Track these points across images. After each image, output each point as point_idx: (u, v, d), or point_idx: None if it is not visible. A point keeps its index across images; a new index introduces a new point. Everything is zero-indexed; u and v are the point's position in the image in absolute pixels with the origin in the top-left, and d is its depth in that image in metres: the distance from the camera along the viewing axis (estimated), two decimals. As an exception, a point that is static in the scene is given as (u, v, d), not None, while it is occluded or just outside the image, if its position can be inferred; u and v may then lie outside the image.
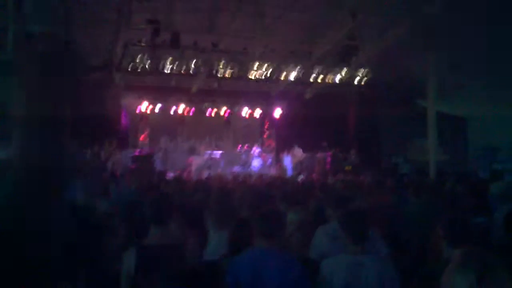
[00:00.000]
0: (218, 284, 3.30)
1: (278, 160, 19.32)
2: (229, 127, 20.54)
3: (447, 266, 2.04)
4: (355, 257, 3.12)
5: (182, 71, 16.60)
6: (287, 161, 18.51)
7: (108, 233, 3.04)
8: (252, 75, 17.32)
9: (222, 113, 20.47)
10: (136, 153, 16.73)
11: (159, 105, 19.46)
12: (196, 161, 17.86)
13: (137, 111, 19.38)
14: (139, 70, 16.29)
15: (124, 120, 19.05)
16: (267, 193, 6.27)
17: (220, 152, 18.90)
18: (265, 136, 21.64)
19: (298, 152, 18.41)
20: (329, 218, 4.43)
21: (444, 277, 2.05)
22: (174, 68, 16.46)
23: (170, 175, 13.36)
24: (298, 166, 18.06)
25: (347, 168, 16.98)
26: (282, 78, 17.71)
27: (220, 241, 4.70)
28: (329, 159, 17.67)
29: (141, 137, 19.62)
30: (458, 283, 1.41)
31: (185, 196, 5.81)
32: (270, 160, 19.28)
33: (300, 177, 13.68)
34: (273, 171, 17.93)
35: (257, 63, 17.02)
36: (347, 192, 6.40)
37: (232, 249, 3.95)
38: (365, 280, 3.02)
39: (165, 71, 16.47)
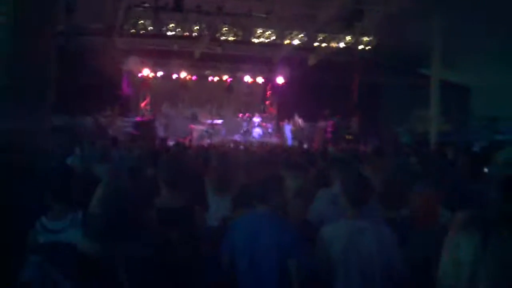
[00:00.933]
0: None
1: (279, 129, 19.28)
2: (230, 94, 20.45)
3: (444, 229, 2.04)
4: (355, 222, 3.13)
5: (185, 35, 16.40)
6: (288, 130, 18.49)
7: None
8: (256, 40, 17.12)
9: (224, 79, 20.36)
10: (138, 120, 16.72)
11: (161, 71, 19.36)
12: (197, 129, 17.86)
13: (139, 76, 19.29)
14: (142, 32, 16.10)
15: (125, 86, 18.97)
16: (267, 159, 6.29)
17: (221, 120, 18.87)
18: (266, 103, 21.56)
19: (298, 121, 18.35)
20: (330, 183, 4.45)
21: (447, 240, 2.05)
22: (178, 31, 16.26)
23: (171, 142, 13.38)
24: (298, 135, 18.04)
25: (348, 137, 16.96)
26: (286, 43, 17.49)
27: (220, 206, 4.76)
28: (330, 128, 17.62)
29: (143, 104, 19.58)
30: (463, 244, 1.40)
31: (187, 161, 5.82)
32: (271, 128, 19.25)
33: (300, 145, 13.68)
34: (274, 140, 17.95)
35: (261, 28, 16.80)
36: (350, 159, 6.41)
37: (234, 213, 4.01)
38: (364, 245, 3.04)
39: (168, 34, 16.27)
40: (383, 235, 3.10)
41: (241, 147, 11.08)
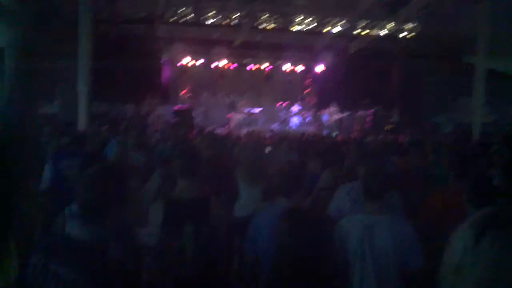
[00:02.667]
0: None
1: (317, 118, 19.07)
2: (270, 83, 20.36)
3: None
4: (371, 217, 3.09)
5: (225, 23, 16.42)
6: (325, 119, 18.27)
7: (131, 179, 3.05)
8: (296, 27, 16.95)
9: (263, 67, 20.30)
10: (177, 108, 16.88)
11: (201, 60, 19.47)
12: (235, 117, 17.89)
13: (179, 65, 19.47)
14: (182, 21, 16.22)
15: (165, 75, 19.19)
16: (298, 150, 6.24)
17: (260, 108, 18.84)
18: (306, 92, 21.35)
19: (335, 110, 18.08)
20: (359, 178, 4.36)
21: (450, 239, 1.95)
22: (217, 20, 16.30)
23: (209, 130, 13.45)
24: (336, 125, 17.81)
25: (388, 127, 16.60)
26: (326, 30, 17.23)
27: (251, 197, 4.73)
28: (370, 117, 17.29)
29: (182, 92, 19.75)
30: (455, 242, 1.30)
31: (219, 150, 5.83)
32: (309, 117, 19.06)
33: (335, 135, 13.47)
34: (311, 129, 17.77)
35: (301, 15, 16.60)
36: (382, 151, 6.27)
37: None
38: (378, 240, 2.99)
39: (208, 23, 16.33)
40: (400, 230, 3.04)
41: (277, 137, 10.97)
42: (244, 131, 14.38)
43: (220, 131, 14.54)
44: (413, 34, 17.06)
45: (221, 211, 3.46)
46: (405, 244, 2.99)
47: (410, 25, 16.89)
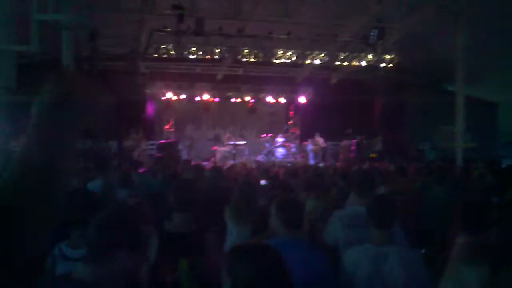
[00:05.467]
0: None
1: (302, 148, 19.19)
2: (253, 115, 20.49)
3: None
4: (380, 248, 2.98)
5: (207, 57, 16.57)
6: (310, 149, 18.39)
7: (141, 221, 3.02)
8: (277, 60, 17.18)
9: (246, 100, 20.46)
10: (161, 142, 16.84)
11: (184, 94, 19.57)
12: (220, 150, 17.90)
13: (163, 100, 19.53)
14: (164, 57, 16.33)
15: (149, 109, 19.21)
16: (287, 181, 6.22)
17: (244, 141, 18.90)
18: (290, 123, 21.52)
19: (319, 140, 18.23)
20: (351, 205, 4.35)
21: (449, 268, 1.92)
22: (199, 54, 16.45)
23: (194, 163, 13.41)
24: (320, 154, 17.94)
25: (372, 155, 16.74)
26: (307, 63, 17.50)
27: (240, 233, 4.67)
28: (353, 146, 17.46)
29: (167, 126, 19.76)
30: (469, 277, 1.29)
31: (206, 184, 5.80)
32: (294, 148, 19.17)
33: (321, 165, 13.53)
34: (297, 159, 17.85)
35: (282, 49, 16.86)
36: (370, 178, 6.29)
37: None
38: (389, 272, 2.88)
39: (190, 57, 16.47)
40: (411, 261, 2.95)
41: (263, 168, 10.97)
42: (229, 163, 14.37)
43: (206, 164, 14.50)
44: (392, 64, 17.41)
45: (217, 244, 3.42)
46: (416, 275, 2.89)
47: (388, 56, 17.24)
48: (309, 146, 18.39)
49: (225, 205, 4.97)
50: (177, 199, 3.37)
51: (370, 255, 2.97)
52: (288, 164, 14.57)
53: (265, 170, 8.91)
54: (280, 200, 3.32)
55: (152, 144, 17.12)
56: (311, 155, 18.07)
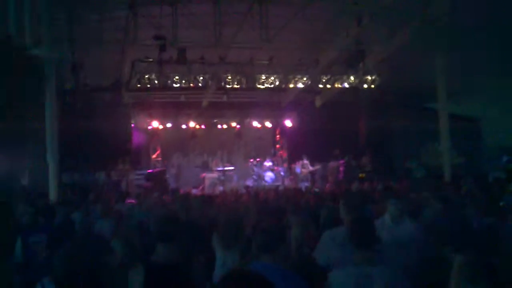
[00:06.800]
0: None
1: (291, 171, 19.20)
2: (240, 140, 20.51)
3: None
4: (364, 268, 2.98)
5: (190, 86, 16.61)
6: (298, 171, 18.43)
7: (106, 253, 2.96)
8: (261, 86, 17.27)
9: (232, 126, 20.50)
10: (149, 172, 16.75)
11: (170, 123, 19.56)
12: (209, 177, 17.82)
13: (149, 129, 19.50)
14: (148, 86, 16.34)
15: (136, 139, 19.13)
16: (275, 207, 6.18)
17: (233, 166, 18.86)
18: (277, 147, 21.55)
19: (306, 163, 18.30)
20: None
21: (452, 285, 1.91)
22: (183, 83, 16.48)
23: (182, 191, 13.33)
24: (309, 177, 17.96)
25: (361, 175, 16.76)
26: (290, 87, 17.62)
27: (227, 259, 4.60)
28: (342, 167, 17.50)
29: (154, 155, 19.68)
30: None
31: (193, 213, 5.74)
32: (282, 171, 19.17)
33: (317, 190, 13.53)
34: (286, 183, 17.82)
35: (264, 74, 16.97)
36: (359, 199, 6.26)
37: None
38: None
39: (174, 86, 16.50)
40: (394, 281, 2.94)
41: (252, 193, 10.93)
42: (218, 190, 14.30)
43: (195, 191, 14.43)
44: (374, 85, 17.57)
45: (202, 274, 3.35)
46: None
47: (370, 77, 17.41)
48: (298, 169, 18.41)
49: (213, 233, 4.92)
50: (159, 230, 3.32)
51: (354, 276, 2.96)
52: (280, 188, 14.58)
53: (255, 194, 8.85)
54: (258, 225, 3.30)
55: (140, 174, 16.97)
56: (300, 178, 18.09)
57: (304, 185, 16.68)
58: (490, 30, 12.29)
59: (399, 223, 4.49)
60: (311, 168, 18.22)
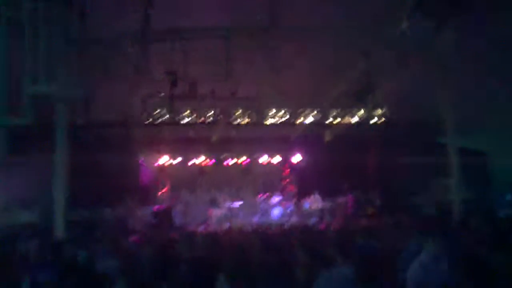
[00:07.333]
0: None
1: (299, 207, 19.03)
2: (248, 176, 20.44)
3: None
4: None
5: (200, 121, 16.74)
6: (307, 207, 18.28)
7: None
8: (270, 120, 17.35)
9: (241, 161, 20.48)
10: (156, 208, 16.72)
11: (178, 158, 19.60)
12: (216, 213, 17.73)
13: (157, 165, 19.54)
14: (158, 121, 16.49)
15: (144, 175, 19.15)
16: (281, 244, 6.09)
17: (240, 202, 18.74)
18: (285, 182, 21.44)
19: (315, 198, 18.16)
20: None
21: None
22: (192, 118, 16.61)
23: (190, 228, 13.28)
24: (318, 212, 17.79)
25: (370, 211, 16.58)
26: (299, 121, 17.67)
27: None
28: (350, 203, 17.33)
29: (161, 192, 19.68)
30: None
31: (197, 251, 5.67)
32: (290, 207, 19.02)
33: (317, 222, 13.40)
34: (294, 219, 17.64)
35: (273, 109, 17.07)
36: (366, 237, 6.17)
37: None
38: None
39: (183, 122, 16.63)
40: None
41: (260, 230, 10.83)
42: (225, 226, 14.20)
43: (201, 228, 14.34)
44: (383, 119, 17.58)
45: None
46: None
47: (379, 111, 17.44)
48: (306, 204, 18.27)
49: (218, 273, 4.85)
50: (154, 269, 3.30)
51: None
52: (287, 224, 14.44)
53: (261, 233, 8.76)
54: (263, 263, 3.25)
55: (146, 211, 16.93)
56: (308, 213, 17.92)
57: (312, 221, 16.51)
58: (499, 63, 12.33)
59: (440, 262, 4.20)
60: (319, 203, 18.05)
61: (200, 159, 19.69)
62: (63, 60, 11.24)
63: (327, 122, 18.04)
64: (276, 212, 18.28)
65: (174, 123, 16.86)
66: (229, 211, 17.85)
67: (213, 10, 13.31)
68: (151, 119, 16.52)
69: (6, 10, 9.40)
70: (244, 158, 20.42)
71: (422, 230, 7.45)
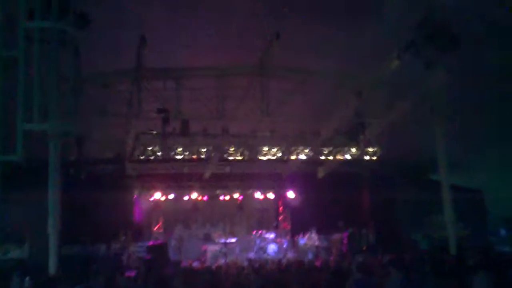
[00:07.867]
0: None
1: (294, 243, 18.91)
2: (242, 212, 20.39)
3: None
4: None
5: (193, 157, 16.78)
6: (302, 243, 18.17)
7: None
8: (263, 157, 17.42)
9: (235, 197, 20.45)
10: (150, 244, 16.56)
11: (172, 194, 19.56)
12: (211, 249, 17.58)
13: (151, 200, 19.47)
14: (151, 158, 16.50)
15: (137, 211, 19.06)
16: (277, 281, 6.06)
17: (235, 238, 18.63)
18: (280, 219, 21.35)
19: (310, 234, 18.10)
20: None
21: None
22: (186, 155, 16.66)
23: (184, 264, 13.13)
24: (314, 250, 17.67)
25: (365, 247, 16.49)
26: (292, 158, 17.74)
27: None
28: (345, 240, 17.25)
29: (155, 227, 19.55)
30: None
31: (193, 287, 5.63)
32: (286, 243, 18.89)
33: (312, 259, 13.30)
34: (289, 255, 17.50)
35: (266, 146, 17.16)
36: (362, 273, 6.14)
37: None
38: None
39: (177, 157, 16.67)
40: None
41: (256, 266, 10.74)
42: (220, 262, 14.06)
43: (196, 264, 14.19)
44: (375, 156, 17.70)
45: None
46: None
47: (371, 149, 17.57)
48: (303, 241, 18.17)
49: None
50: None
51: None
52: (283, 261, 14.30)
53: (257, 268, 8.70)
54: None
55: (141, 246, 16.76)
56: (303, 250, 17.80)
57: (307, 257, 16.38)
58: (490, 100, 12.52)
59: None
60: (314, 240, 17.95)
61: (194, 195, 19.66)
62: (56, 98, 11.29)
63: (320, 158, 18.13)
64: (271, 248, 18.13)
65: (167, 159, 16.89)
66: (224, 247, 17.69)
67: (206, 50, 13.57)
68: (144, 156, 16.56)
69: (0, 49, 9.49)
70: (238, 194, 20.41)
71: (418, 266, 7.46)
